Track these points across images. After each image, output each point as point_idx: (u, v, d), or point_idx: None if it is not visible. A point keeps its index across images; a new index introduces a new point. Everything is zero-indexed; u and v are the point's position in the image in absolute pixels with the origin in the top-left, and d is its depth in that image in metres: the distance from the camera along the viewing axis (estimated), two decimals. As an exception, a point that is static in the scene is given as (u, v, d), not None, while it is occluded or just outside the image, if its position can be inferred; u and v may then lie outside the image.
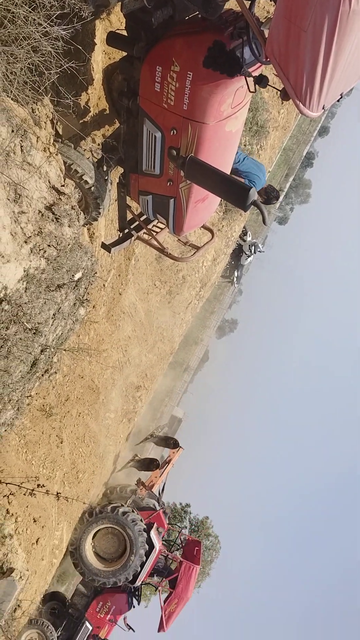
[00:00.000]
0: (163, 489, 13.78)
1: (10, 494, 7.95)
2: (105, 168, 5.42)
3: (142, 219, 6.21)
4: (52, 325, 4.84)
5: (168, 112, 4.50)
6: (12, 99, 3.76)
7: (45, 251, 4.05)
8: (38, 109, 4.24)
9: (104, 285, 9.97)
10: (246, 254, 19.43)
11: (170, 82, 4.28)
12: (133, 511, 11.72)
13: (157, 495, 13.38)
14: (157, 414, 30.63)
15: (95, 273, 5.10)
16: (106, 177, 5.48)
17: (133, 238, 6.26)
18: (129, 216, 6.19)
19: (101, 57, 5.69)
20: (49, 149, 4.28)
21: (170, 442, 15.55)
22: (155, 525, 12.08)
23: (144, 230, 6.28)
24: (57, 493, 3.84)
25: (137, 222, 6.23)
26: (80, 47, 4.04)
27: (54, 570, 11.98)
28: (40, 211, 4.03)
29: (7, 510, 8.62)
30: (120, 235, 6.28)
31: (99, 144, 5.52)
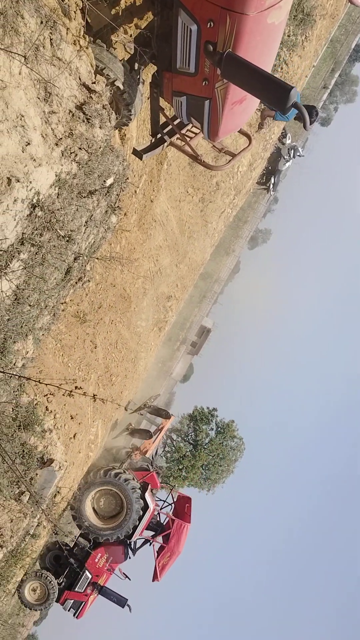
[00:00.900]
0: (156, 453, 14.56)
1: (50, 393, 8.43)
2: (137, 66, 5.06)
3: (175, 122, 5.79)
4: (84, 233, 4.83)
5: (205, 1, 4.07)
6: (39, -17, 3.48)
7: (76, 154, 3.94)
8: (66, -5, 3.92)
9: (135, 191, 9.76)
10: (285, 159, 18.41)
11: None
12: (132, 478, 12.46)
13: (151, 458, 14.15)
14: (186, 324, 31.16)
15: (127, 179, 4.97)
16: (138, 77, 5.13)
17: (166, 144, 5.91)
18: (162, 119, 5.79)
19: None
20: (79, 41, 4.01)
21: (162, 413, 16.20)
22: (149, 486, 12.91)
23: (177, 135, 5.88)
24: (94, 395, 4.05)
25: (170, 126, 5.83)
26: None
27: (90, 462, 12.98)
28: (71, 111, 3.86)
29: (46, 407, 9.22)
30: (153, 140, 5.92)
31: (131, 35, 5.12)
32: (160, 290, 14.58)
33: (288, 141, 18.26)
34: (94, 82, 4.02)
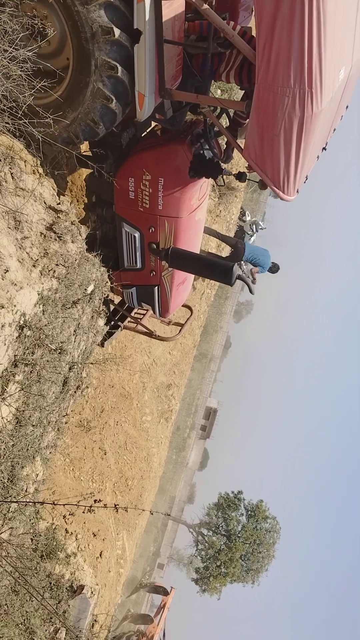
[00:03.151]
0: (164, 635, 13.90)
1: (68, 513, 8.05)
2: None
3: (124, 307, 6.67)
4: (75, 341, 4.88)
5: (144, 214, 5.11)
6: (-8, 129, 3.78)
7: (54, 271, 4.08)
8: (19, 133, 4.25)
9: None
10: (248, 234, 19.18)
11: (144, 189, 4.94)
12: None
13: None
14: (192, 409, 30.66)
15: (107, 282, 5.13)
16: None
17: (120, 329, 6.75)
18: (111, 307, 6.60)
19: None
20: (38, 170, 4.30)
21: (160, 590, 15.76)
22: None
23: (129, 318, 6.75)
24: (115, 505, 3.90)
25: (120, 312, 6.70)
26: (53, 68, 4.04)
27: (123, 580, 12.10)
28: (42, 233, 4.05)
29: (65, 529, 8.74)
30: (108, 327, 6.68)
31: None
32: (159, 381, 14.50)
33: (248, 218, 19.14)
34: (59, 203, 4.27)
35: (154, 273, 5.63)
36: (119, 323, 6.65)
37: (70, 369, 5.00)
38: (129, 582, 13.58)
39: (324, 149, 4.57)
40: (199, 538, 30.20)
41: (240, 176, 4.68)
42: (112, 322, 6.61)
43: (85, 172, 6.18)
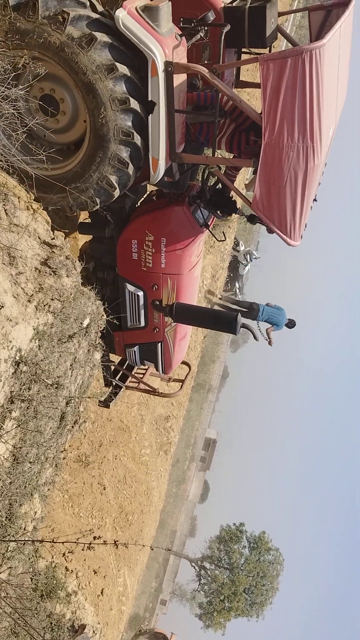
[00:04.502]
0: None
1: (68, 551, 7.86)
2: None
3: (124, 367, 6.82)
4: (71, 376, 4.86)
5: (148, 273, 5.41)
6: (-13, 167, 3.86)
7: (50, 306, 4.10)
8: (12, 170, 4.33)
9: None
10: (243, 264, 19.37)
11: (147, 250, 5.26)
12: None
13: None
14: (191, 440, 30.31)
15: (103, 315, 5.14)
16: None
17: (122, 389, 6.88)
18: (112, 368, 6.76)
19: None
20: (31, 206, 4.36)
21: (160, 636, 15.87)
22: None
23: (130, 378, 6.88)
24: (115, 541, 3.82)
25: (120, 372, 6.84)
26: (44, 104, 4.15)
27: (125, 618, 11.73)
28: (36, 268, 4.09)
29: (66, 567, 8.52)
30: (110, 389, 6.87)
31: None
32: (157, 413, 14.37)
33: (242, 247, 19.34)
34: (53, 238, 4.32)
35: (157, 330, 5.83)
36: (120, 383, 6.79)
37: (67, 403, 4.96)
38: (131, 620, 13.15)
39: (315, 200, 4.97)
40: (201, 572, 29.48)
41: (252, 218, 5.02)
42: (114, 384, 6.75)
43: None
